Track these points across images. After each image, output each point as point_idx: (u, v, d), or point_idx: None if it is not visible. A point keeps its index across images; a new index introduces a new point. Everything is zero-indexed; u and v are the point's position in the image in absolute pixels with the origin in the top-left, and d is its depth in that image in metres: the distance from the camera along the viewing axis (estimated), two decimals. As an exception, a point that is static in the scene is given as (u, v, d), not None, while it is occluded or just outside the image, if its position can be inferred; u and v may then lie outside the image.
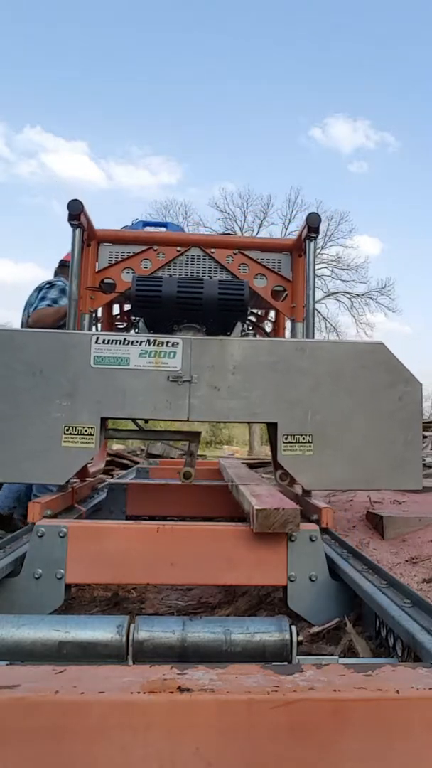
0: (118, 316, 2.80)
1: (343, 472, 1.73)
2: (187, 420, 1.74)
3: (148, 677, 0.77)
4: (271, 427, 1.80)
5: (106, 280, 2.33)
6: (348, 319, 35.42)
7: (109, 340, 1.71)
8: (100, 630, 1.07)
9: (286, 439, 1.71)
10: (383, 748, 0.73)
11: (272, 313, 2.89)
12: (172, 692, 0.73)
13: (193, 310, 2.14)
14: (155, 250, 2.36)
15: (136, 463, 5.08)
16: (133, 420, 1.97)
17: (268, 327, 2.91)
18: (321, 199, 32.62)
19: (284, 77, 40.92)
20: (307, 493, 1.90)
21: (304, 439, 1.71)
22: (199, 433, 2.12)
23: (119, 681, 0.76)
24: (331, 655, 1.29)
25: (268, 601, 2.00)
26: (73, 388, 1.67)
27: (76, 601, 2.19)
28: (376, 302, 25.55)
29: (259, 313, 2.85)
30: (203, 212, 41.93)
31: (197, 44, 38.79)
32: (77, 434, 1.66)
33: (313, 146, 38.99)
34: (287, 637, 1.08)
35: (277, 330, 2.77)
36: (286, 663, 1.06)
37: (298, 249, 2.42)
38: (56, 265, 3.57)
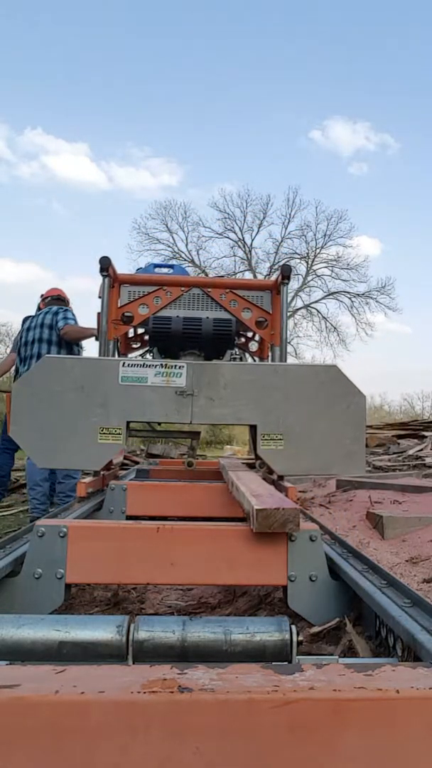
0: (133, 337, 3.41)
1: (307, 461, 2.20)
2: (190, 423, 2.22)
3: (148, 677, 0.77)
4: (252, 428, 2.26)
5: (126, 314, 2.93)
6: (348, 319, 35.36)
7: (132, 364, 2.22)
8: (100, 630, 1.06)
9: (263, 437, 2.19)
10: (383, 748, 0.72)
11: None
12: (172, 692, 0.73)
13: (194, 341, 2.81)
14: (164, 290, 2.94)
15: (136, 463, 5.09)
16: (149, 423, 2.52)
17: (255, 347, 3.45)
18: (320, 199, 32.48)
19: (284, 79, 40.80)
20: (280, 477, 2.36)
21: (277, 437, 2.19)
22: (198, 433, 2.68)
23: (119, 681, 0.76)
24: (331, 655, 1.29)
25: (268, 601, 2.00)
26: (105, 400, 2.16)
27: (76, 601, 2.19)
28: (376, 302, 25.52)
29: (249, 335, 3.37)
30: (203, 212, 41.81)
31: (198, 46, 38.66)
32: (109, 433, 2.16)
33: (313, 148, 38.92)
34: (287, 636, 1.08)
35: (263, 350, 3.23)
36: (286, 663, 1.06)
37: (276, 288, 2.96)
38: (39, 295, 4.68)
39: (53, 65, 38.81)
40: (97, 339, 2.98)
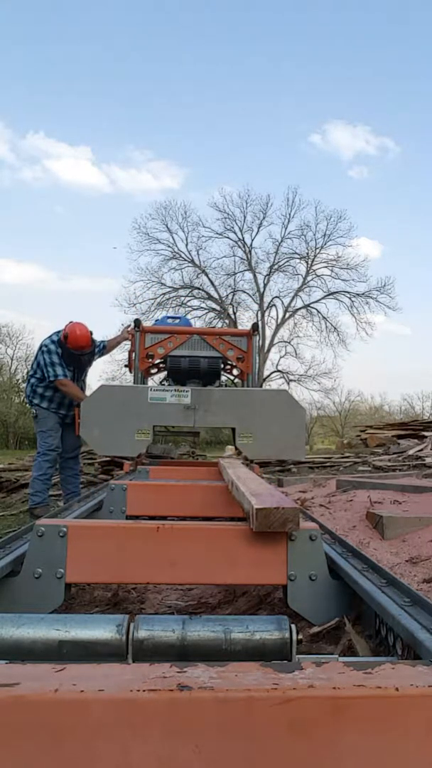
0: (151, 366, 4.65)
1: (267, 449, 3.55)
2: (193, 426, 3.64)
3: (148, 675, 0.77)
4: (233, 429, 3.61)
5: (149, 353, 4.25)
6: (348, 319, 35.33)
7: (156, 389, 3.62)
8: (100, 629, 1.06)
9: (239, 435, 3.52)
10: (383, 746, 0.73)
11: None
12: (171, 690, 0.73)
13: (196, 373, 4.13)
14: (175, 336, 4.28)
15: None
16: (166, 427, 3.90)
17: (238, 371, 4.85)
18: (319, 200, 32.36)
19: (283, 83, 40.82)
20: (250, 461, 3.58)
21: (248, 434, 3.51)
22: (198, 433, 4.64)
23: (119, 679, 0.76)
24: (331, 654, 1.28)
25: (268, 601, 2.00)
26: (139, 412, 3.49)
27: (76, 600, 2.19)
28: (376, 301, 25.54)
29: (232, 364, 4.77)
30: (203, 212, 41.73)
31: (199, 50, 38.68)
32: (142, 433, 3.47)
33: (313, 152, 38.97)
34: (287, 635, 1.07)
35: (243, 375, 4.50)
36: (285, 661, 1.05)
37: (249, 336, 4.32)
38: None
39: (54, 69, 38.85)
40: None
